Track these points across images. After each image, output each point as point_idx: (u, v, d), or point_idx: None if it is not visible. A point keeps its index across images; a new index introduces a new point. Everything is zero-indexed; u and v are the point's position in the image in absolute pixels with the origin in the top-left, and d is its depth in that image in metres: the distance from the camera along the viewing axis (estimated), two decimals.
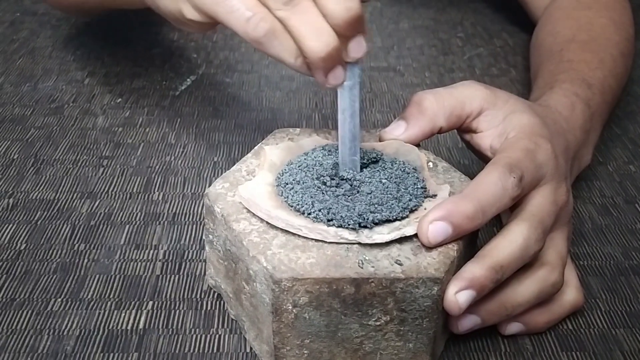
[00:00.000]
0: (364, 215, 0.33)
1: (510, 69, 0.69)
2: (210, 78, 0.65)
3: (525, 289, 0.35)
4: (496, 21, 0.80)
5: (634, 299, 0.41)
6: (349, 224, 0.33)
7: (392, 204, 0.34)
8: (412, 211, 0.35)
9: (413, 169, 0.38)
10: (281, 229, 0.34)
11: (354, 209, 0.34)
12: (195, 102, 0.61)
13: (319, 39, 0.32)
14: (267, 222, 0.34)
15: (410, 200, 0.35)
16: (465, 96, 0.40)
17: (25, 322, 0.38)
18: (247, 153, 0.40)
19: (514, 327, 0.37)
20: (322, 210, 0.34)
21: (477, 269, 0.32)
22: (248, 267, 0.33)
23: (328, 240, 0.33)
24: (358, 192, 0.36)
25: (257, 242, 0.33)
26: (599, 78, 0.50)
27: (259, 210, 0.34)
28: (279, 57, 0.33)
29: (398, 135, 0.40)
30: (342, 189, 0.36)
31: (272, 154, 0.38)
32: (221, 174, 0.51)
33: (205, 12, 0.34)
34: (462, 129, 0.41)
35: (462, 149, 0.55)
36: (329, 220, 0.33)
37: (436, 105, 0.39)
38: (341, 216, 0.33)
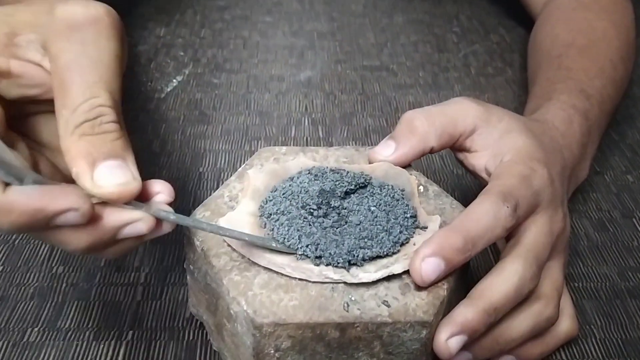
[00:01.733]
0: (354, 252, 0.32)
1: (507, 67, 0.67)
2: (197, 78, 0.63)
3: (519, 324, 0.34)
4: (493, 14, 0.77)
5: (629, 325, 0.40)
6: (338, 262, 0.32)
7: (382, 238, 0.33)
8: (401, 245, 0.33)
9: (402, 194, 0.36)
10: (263, 266, 0.32)
11: (342, 244, 0.32)
12: (182, 106, 0.59)
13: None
14: (249, 258, 0.32)
15: (400, 232, 0.33)
16: (458, 114, 0.38)
17: (1, 354, 0.37)
18: (233, 163, 0.38)
19: None
20: (309, 247, 0.32)
21: (469, 313, 0.31)
22: (229, 306, 0.32)
23: (312, 280, 0.31)
24: (346, 222, 0.34)
25: (238, 281, 0.32)
26: (598, 87, 0.49)
27: (240, 246, 0.32)
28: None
29: (387, 155, 0.38)
30: (330, 219, 0.34)
31: (256, 179, 0.37)
32: (206, 186, 0.50)
33: None
34: (456, 147, 0.39)
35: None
36: (317, 257, 0.32)
37: (427, 124, 0.38)
38: (330, 253, 0.32)
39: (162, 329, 0.39)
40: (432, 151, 0.38)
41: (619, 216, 0.48)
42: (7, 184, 0.27)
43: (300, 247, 0.32)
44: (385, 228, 0.34)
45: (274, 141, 0.55)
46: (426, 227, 0.34)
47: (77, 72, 0.29)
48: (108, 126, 0.29)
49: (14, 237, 0.44)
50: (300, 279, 0.31)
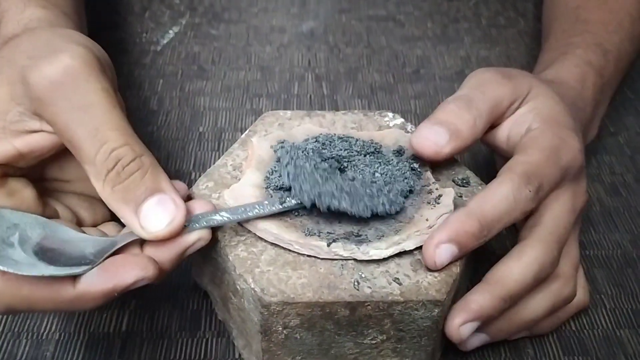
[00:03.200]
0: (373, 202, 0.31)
1: (519, 18, 0.64)
2: (194, 29, 0.60)
3: (538, 304, 0.33)
4: None
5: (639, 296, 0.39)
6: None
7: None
8: (410, 220, 0.32)
9: (415, 165, 0.35)
10: (270, 242, 0.31)
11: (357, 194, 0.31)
12: (179, 60, 0.56)
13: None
14: (255, 234, 0.31)
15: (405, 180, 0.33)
16: (497, 96, 0.35)
17: (2, 324, 0.36)
18: (234, 122, 0.36)
19: (519, 334, 0.35)
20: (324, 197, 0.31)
21: (485, 300, 0.30)
22: (235, 282, 0.31)
23: (321, 257, 0.30)
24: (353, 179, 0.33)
25: (244, 257, 0.30)
26: (616, 43, 0.46)
27: (247, 221, 0.31)
28: None
29: (442, 145, 0.33)
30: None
31: (260, 148, 0.35)
32: (207, 146, 0.48)
33: None
34: None
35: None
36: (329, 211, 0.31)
37: (478, 116, 0.34)
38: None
39: (166, 298, 0.38)
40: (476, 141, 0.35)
41: (632, 180, 0.47)
42: (75, 277, 0.28)
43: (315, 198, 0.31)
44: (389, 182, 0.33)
45: (276, 99, 0.52)
46: (439, 201, 0.33)
47: (78, 128, 0.29)
48: (131, 167, 0.29)
49: None
50: (308, 256, 0.30)
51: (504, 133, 0.35)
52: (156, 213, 0.29)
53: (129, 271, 0.28)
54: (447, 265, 0.30)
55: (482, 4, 0.66)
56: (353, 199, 0.31)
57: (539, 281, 0.32)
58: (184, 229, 0.29)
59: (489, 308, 0.30)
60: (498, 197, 0.31)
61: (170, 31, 0.60)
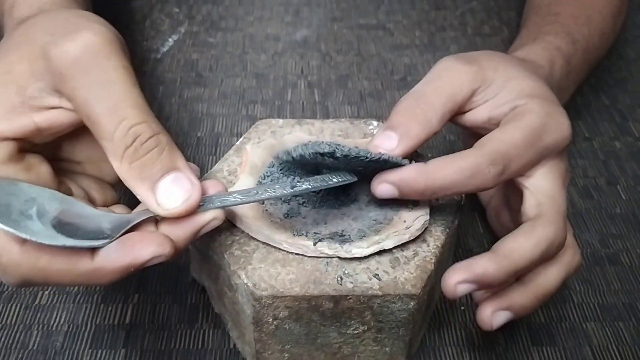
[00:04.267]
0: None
1: (503, 27, 0.67)
2: (193, 37, 0.63)
3: (554, 277, 0.34)
4: None
5: (607, 291, 0.42)
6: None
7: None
8: (389, 222, 0.35)
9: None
10: (262, 241, 0.34)
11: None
12: (178, 67, 0.59)
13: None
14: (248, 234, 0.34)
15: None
16: (453, 87, 0.35)
17: (14, 316, 0.39)
18: (230, 128, 0.39)
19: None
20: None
21: (491, 269, 0.31)
22: (230, 277, 0.34)
23: (308, 255, 0.33)
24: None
25: (238, 255, 0.33)
26: (585, 34, 0.49)
27: (240, 222, 0.34)
28: None
29: (392, 149, 0.34)
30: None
31: (254, 155, 0.38)
32: (204, 151, 0.51)
33: None
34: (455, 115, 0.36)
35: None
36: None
37: (426, 109, 0.35)
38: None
39: (166, 292, 0.41)
40: (435, 134, 0.36)
41: (604, 183, 0.50)
42: (94, 249, 0.29)
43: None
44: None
45: (270, 105, 0.55)
46: (416, 205, 0.36)
47: (97, 104, 0.29)
48: (149, 144, 0.30)
49: None
50: (296, 254, 0.33)
51: (482, 115, 0.36)
52: (173, 190, 0.30)
53: (146, 247, 0.29)
54: (422, 261, 0.33)
55: (468, 13, 0.69)
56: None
57: (546, 259, 0.33)
58: (197, 208, 0.30)
59: (491, 277, 0.31)
60: (454, 168, 0.32)
61: (170, 39, 0.62)
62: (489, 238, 0.45)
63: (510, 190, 0.38)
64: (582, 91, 0.57)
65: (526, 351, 0.39)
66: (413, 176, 0.32)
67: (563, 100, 0.46)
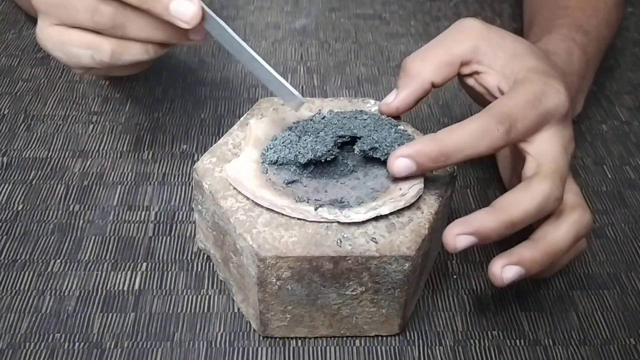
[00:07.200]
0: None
1: (496, 17, 0.69)
2: None
3: (563, 234, 0.35)
4: None
5: (592, 262, 0.44)
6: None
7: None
8: (386, 190, 0.37)
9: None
10: (266, 207, 0.36)
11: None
12: (181, 53, 0.61)
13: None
14: (253, 200, 0.36)
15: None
16: (454, 40, 0.39)
17: (28, 283, 0.41)
18: (233, 110, 0.41)
19: (551, 269, 0.38)
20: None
21: (487, 221, 0.33)
22: (235, 241, 0.36)
23: (309, 219, 0.35)
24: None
25: (244, 220, 0.35)
26: (594, 25, 0.51)
27: (245, 189, 0.36)
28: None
29: (390, 102, 0.40)
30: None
31: (257, 129, 0.40)
32: (208, 131, 0.53)
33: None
34: (463, 74, 0.40)
35: (442, 106, 0.57)
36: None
37: (419, 61, 0.39)
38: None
39: (173, 261, 0.43)
40: (435, 86, 0.39)
41: (590, 163, 0.52)
42: None
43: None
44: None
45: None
46: None
47: None
48: None
49: (31, 177, 0.48)
50: (298, 219, 0.35)
51: (492, 82, 0.38)
52: None
53: None
54: (417, 225, 0.35)
55: (462, 4, 0.71)
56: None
57: (541, 215, 0.34)
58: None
59: (489, 228, 0.33)
60: (465, 130, 0.34)
61: None
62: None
63: (519, 161, 0.39)
64: None
65: (515, 316, 0.41)
66: (427, 144, 0.35)
67: (585, 88, 0.48)
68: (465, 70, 0.39)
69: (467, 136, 0.34)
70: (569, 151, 0.37)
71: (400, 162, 0.35)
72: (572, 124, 0.38)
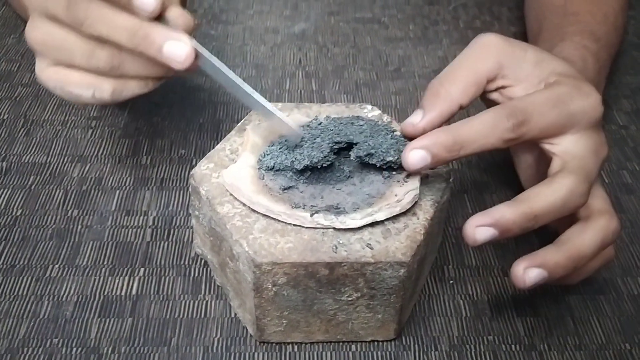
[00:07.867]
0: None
1: (494, 22, 0.69)
2: (195, 29, 0.65)
3: (589, 239, 0.35)
4: None
5: None
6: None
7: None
8: (382, 196, 0.37)
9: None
10: (262, 213, 0.36)
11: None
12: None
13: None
14: (249, 207, 0.36)
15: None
16: (477, 60, 0.38)
17: (26, 288, 0.41)
18: (231, 115, 0.42)
19: (577, 276, 0.38)
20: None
21: (508, 212, 0.33)
22: (232, 247, 0.36)
23: (305, 225, 0.35)
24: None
25: (240, 226, 0.36)
26: (605, 32, 0.51)
27: (242, 195, 0.36)
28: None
29: (416, 122, 0.37)
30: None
31: (255, 134, 0.40)
32: (206, 136, 0.53)
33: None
34: (489, 90, 0.39)
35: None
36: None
37: (447, 84, 0.38)
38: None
39: (170, 266, 0.43)
40: (462, 107, 0.38)
41: None
42: None
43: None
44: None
45: (269, 94, 0.58)
46: (407, 180, 0.38)
47: None
48: None
49: (30, 182, 0.48)
50: (294, 225, 0.36)
51: (521, 93, 0.37)
52: None
53: None
54: (412, 231, 0.36)
55: (460, 8, 0.71)
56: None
57: (566, 210, 0.34)
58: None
59: (509, 220, 0.33)
60: (478, 121, 0.35)
61: None
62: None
63: (543, 163, 0.38)
64: None
65: (511, 321, 0.41)
66: (441, 134, 0.35)
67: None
68: (491, 86, 0.39)
69: (479, 125, 0.35)
70: (600, 156, 0.36)
71: (415, 153, 0.35)
72: (602, 130, 0.38)
